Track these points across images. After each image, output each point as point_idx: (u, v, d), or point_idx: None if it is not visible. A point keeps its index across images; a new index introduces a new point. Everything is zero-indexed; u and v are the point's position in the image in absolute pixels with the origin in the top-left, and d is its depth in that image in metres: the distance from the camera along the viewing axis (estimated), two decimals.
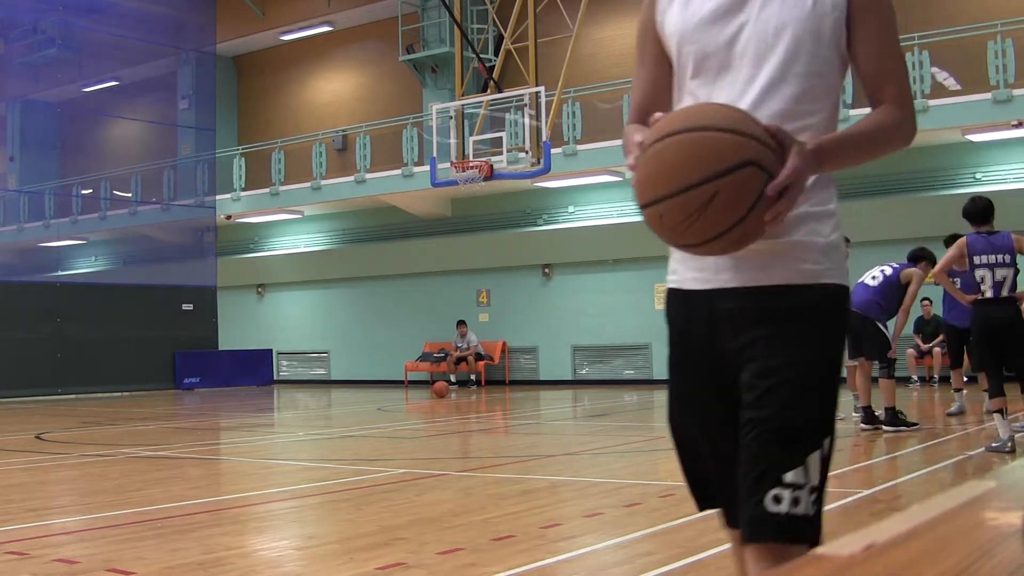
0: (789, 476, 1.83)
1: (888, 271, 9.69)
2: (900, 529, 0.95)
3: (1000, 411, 7.31)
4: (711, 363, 2.01)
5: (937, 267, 8.09)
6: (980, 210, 7.59)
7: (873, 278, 9.70)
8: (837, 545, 0.92)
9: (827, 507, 5.83)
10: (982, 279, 7.46)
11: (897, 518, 0.99)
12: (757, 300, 1.95)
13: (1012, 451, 7.19)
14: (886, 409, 9.32)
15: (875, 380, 9.75)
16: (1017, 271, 7.51)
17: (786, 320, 1.93)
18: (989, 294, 7.43)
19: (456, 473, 7.29)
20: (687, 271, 2.06)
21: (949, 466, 7.16)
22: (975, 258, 7.50)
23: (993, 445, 7.41)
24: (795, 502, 1.83)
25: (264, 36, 27.17)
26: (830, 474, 1.94)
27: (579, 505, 5.77)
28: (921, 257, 9.84)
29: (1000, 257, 7.41)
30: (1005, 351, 7.48)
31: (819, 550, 0.93)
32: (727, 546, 4.29)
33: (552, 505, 5.82)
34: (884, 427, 9.24)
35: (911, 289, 9.52)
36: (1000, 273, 7.39)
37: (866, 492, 5.88)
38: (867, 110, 2.04)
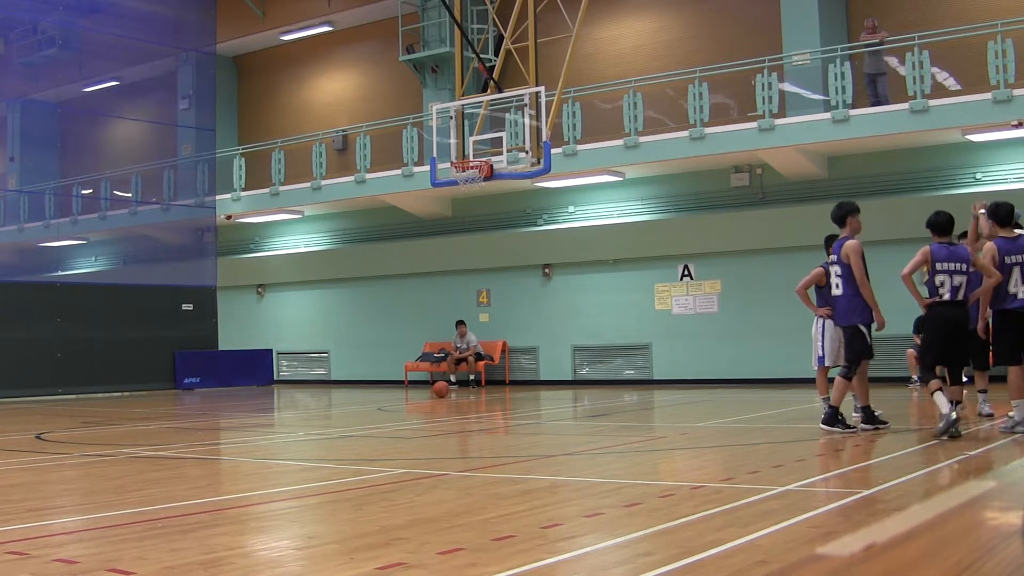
0: None
1: (839, 269, 9.31)
2: (900, 529, 0.95)
3: (952, 401, 8.44)
4: None
5: (904, 270, 8.84)
6: (944, 223, 8.78)
7: (837, 287, 9.38)
8: (837, 545, 0.92)
9: (827, 507, 5.80)
10: (941, 284, 8.55)
11: (897, 518, 0.99)
12: None
13: (956, 435, 8.23)
14: (830, 406, 9.32)
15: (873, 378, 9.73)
16: (971, 278, 8.61)
17: None
18: (947, 297, 8.55)
19: (456, 473, 7.29)
20: None
21: (949, 466, 7.16)
22: (937, 265, 8.59)
23: (937, 429, 8.35)
24: None
25: (264, 36, 27.18)
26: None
27: (579, 505, 5.77)
28: (847, 213, 9.37)
29: (958, 265, 8.56)
30: (957, 348, 8.69)
31: (819, 550, 0.94)
32: (727, 546, 4.30)
33: (552, 505, 5.82)
34: (823, 426, 9.32)
35: (854, 262, 9.15)
36: (957, 279, 8.55)
37: (866, 492, 5.88)
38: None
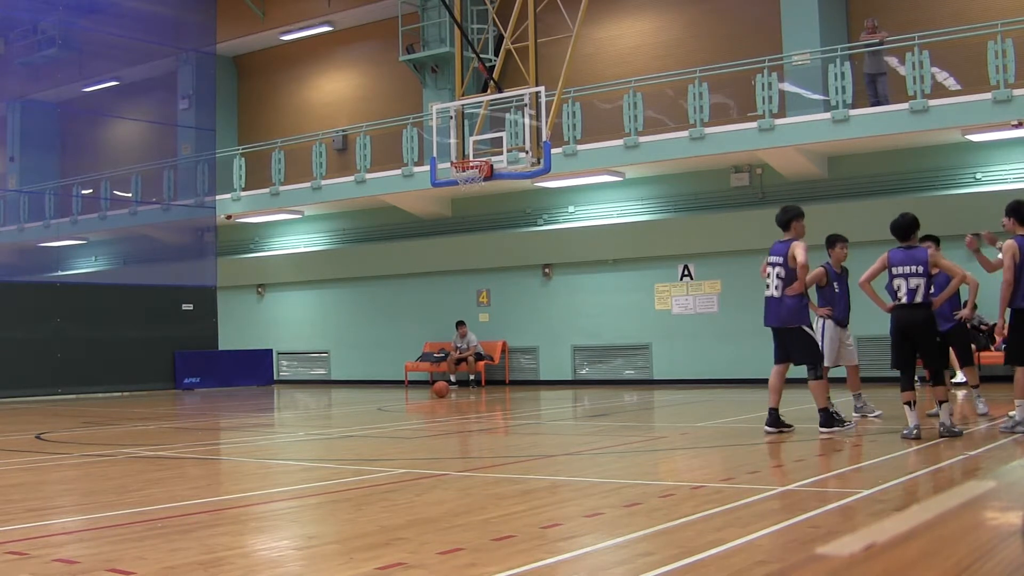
0: None
1: (780, 271, 9.26)
2: (900, 529, 0.95)
3: (909, 403, 8.55)
4: None
5: (862, 277, 8.89)
6: (906, 225, 8.74)
7: (776, 287, 9.32)
8: (837, 545, 0.92)
9: (827, 507, 5.80)
10: (898, 287, 8.57)
11: (897, 518, 0.99)
12: None
13: (918, 437, 8.38)
14: (820, 410, 9.31)
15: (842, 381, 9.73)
16: (930, 281, 8.52)
17: None
18: (904, 300, 8.54)
19: (456, 473, 7.30)
20: None
21: (949, 466, 7.16)
22: (893, 268, 8.60)
23: (904, 432, 8.56)
24: None
25: (264, 36, 27.18)
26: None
27: (579, 505, 5.77)
28: (792, 218, 9.43)
29: (914, 268, 8.52)
30: (918, 351, 8.63)
31: (819, 550, 0.94)
32: (727, 546, 4.30)
33: (552, 505, 5.82)
34: (821, 428, 9.26)
35: (800, 253, 9.15)
36: (913, 282, 8.51)
37: (866, 492, 5.88)
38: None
